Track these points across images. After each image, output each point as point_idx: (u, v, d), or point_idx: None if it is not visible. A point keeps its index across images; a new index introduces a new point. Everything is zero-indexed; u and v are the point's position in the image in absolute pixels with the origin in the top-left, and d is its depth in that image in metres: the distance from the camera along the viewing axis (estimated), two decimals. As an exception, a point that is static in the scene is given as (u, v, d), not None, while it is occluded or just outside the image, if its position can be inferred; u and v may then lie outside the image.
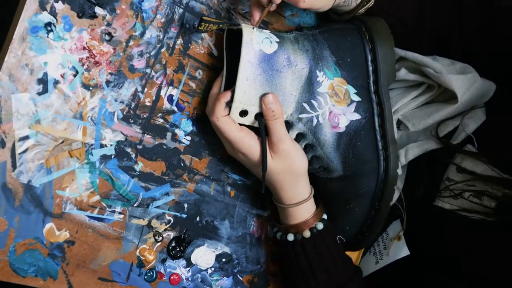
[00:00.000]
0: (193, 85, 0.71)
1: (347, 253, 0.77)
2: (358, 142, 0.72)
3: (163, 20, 0.67)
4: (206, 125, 0.72)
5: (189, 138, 0.71)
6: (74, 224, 0.62)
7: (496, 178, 0.72)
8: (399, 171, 0.80)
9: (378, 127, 0.73)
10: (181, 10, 0.68)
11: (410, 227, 0.82)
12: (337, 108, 0.71)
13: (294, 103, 0.68)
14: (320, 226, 0.72)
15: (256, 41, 0.65)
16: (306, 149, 0.72)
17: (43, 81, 0.58)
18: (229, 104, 0.65)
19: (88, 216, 0.63)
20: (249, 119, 0.67)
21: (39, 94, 0.58)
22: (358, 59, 0.73)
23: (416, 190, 0.82)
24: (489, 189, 0.73)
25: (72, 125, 0.61)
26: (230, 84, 0.67)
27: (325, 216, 0.74)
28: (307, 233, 0.72)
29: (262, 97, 0.65)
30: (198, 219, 0.73)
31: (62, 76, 0.59)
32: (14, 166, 0.57)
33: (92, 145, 0.62)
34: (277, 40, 0.67)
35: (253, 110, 0.66)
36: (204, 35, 0.71)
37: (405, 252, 0.81)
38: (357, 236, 0.76)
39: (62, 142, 0.60)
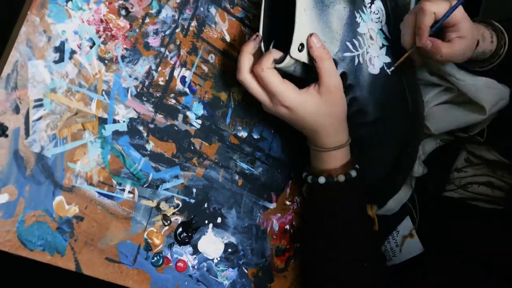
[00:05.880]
0: (205, 68, 0.70)
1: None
2: (390, 84, 0.74)
3: (178, 0, 0.67)
4: (217, 110, 0.72)
5: (199, 121, 0.70)
6: (83, 199, 0.60)
7: (506, 165, 0.72)
8: (418, 168, 0.80)
9: (404, 75, 0.76)
10: (196, -7, 0.68)
11: (419, 223, 0.82)
12: (373, 50, 0.73)
13: (339, 41, 0.69)
14: (354, 173, 0.72)
15: None
16: (347, 90, 0.72)
17: (60, 49, 0.57)
18: (277, 61, 0.66)
19: (98, 193, 0.61)
20: (304, 55, 0.67)
21: (55, 62, 0.57)
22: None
23: (427, 184, 0.82)
24: (498, 177, 0.73)
25: (86, 97, 0.59)
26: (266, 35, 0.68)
27: (357, 166, 0.73)
28: (341, 178, 0.71)
29: (310, 36, 0.66)
30: (206, 205, 0.72)
31: (79, 46, 0.58)
32: (27, 134, 0.55)
33: (105, 119, 0.61)
34: None
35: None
36: (218, 19, 0.71)
37: (419, 249, 0.81)
38: (381, 187, 0.77)
39: (76, 113, 0.59)
